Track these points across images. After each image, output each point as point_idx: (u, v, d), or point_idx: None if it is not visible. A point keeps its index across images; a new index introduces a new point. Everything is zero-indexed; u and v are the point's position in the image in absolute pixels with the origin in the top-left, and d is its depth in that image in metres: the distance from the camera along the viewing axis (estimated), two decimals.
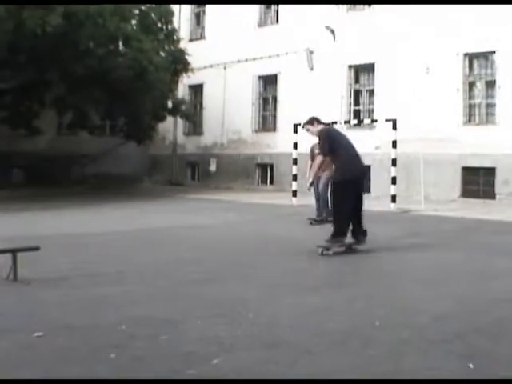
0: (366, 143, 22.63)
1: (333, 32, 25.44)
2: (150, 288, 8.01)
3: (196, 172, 32.70)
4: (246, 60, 28.70)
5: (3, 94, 26.38)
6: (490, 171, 21.56)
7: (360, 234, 10.70)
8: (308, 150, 16.38)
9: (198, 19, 32.71)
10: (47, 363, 5.02)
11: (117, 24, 22.61)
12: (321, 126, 11.45)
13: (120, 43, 24.25)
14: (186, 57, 27.84)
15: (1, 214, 18.44)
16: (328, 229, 10.88)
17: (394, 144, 19.07)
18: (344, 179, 10.44)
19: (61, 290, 7.71)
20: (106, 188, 29.63)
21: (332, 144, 10.76)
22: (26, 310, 6.76)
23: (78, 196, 25.66)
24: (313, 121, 11.62)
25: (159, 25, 26.57)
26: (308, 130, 11.67)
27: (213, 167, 30.90)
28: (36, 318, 6.35)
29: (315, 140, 16.37)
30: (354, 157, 10.81)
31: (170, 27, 27.13)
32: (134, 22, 25.20)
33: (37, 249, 8.40)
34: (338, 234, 10.42)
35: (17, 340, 5.60)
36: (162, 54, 26.50)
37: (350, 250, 10.67)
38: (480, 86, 22.55)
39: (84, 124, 28.19)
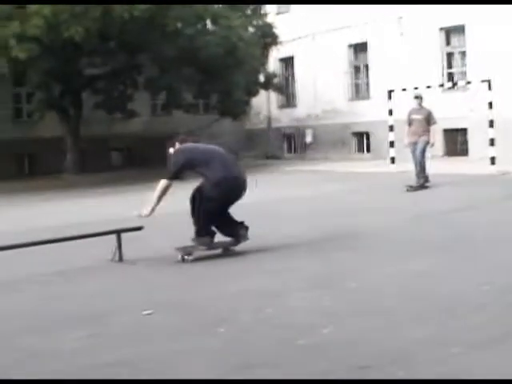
0: (460, 106, 21.95)
1: None
2: (243, 262, 8.12)
3: (292, 144, 32.66)
4: (336, 29, 28.36)
5: (97, 80, 27.01)
6: None
7: (239, 230, 8.90)
8: (404, 116, 16.11)
9: None
10: (160, 339, 5.15)
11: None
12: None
13: (208, 22, 24.40)
14: (274, 30, 27.76)
15: (102, 195, 18.95)
16: (425, 194, 10.63)
17: (491, 105, 18.53)
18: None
19: (164, 270, 7.86)
20: None
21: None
22: (133, 290, 6.95)
23: None
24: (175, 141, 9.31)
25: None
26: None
27: (309, 138, 30.76)
28: (144, 297, 6.52)
29: (412, 105, 16.13)
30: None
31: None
32: None
33: (140, 229, 8.55)
34: (200, 235, 8.74)
35: (128, 318, 5.77)
36: (251, 29, 26.50)
37: (227, 251, 8.94)
38: None
39: (178, 103, 28.54)
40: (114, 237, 8.32)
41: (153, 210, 8.45)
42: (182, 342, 5.03)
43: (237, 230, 8.72)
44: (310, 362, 4.41)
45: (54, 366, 4.64)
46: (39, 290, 7.17)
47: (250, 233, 8.55)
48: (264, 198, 14.30)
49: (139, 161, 30.58)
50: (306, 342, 4.82)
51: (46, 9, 20.04)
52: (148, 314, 5.79)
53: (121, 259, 8.22)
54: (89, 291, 6.94)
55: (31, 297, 6.88)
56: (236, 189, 8.65)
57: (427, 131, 15.50)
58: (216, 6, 24.61)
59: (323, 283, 6.67)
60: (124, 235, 8.39)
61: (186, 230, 8.60)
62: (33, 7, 20.38)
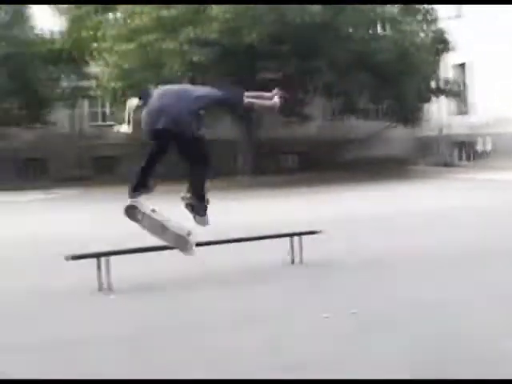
0: None
1: None
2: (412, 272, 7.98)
3: (464, 152, 31.85)
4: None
5: (270, 84, 27.48)
6: None
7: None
8: None
9: None
10: (330, 341, 5.29)
11: (374, 7, 22.78)
12: None
13: (378, 26, 24.37)
14: (446, 36, 27.24)
15: (278, 198, 19.28)
16: None
17: None
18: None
19: (338, 274, 7.91)
20: (377, 171, 29.49)
21: None
22: (309, 292, 7.05)
23: (351, 179, 25.64)
24: None
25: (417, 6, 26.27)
26: None
27: (486, 146, 29.77)
28: (321, 300, 6.64)
29: None
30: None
31: (427, 7, 26.71)
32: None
33: (318, 232, 8.76)
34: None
35: (307, 319, 5.91)
36: (422, 34, 26.17)
37: None
38: None
39: (352, 109, 28.66)
40: (286, 239, 8.53)
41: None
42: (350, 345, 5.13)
43: None
44: None
45: (237, 366, 4.75)
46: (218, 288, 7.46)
47: None
48: (443, 205, 14.11)
49: (312, 165, 30.91)
50: None
51: (226, 14, 20.74)
52: (326, 318, 5.90)
53: (301, 262, 8.40)
54: (265, 292, 7.13)
55: (209, 296, 7.09)
56: None
57: None
58: (388, 9, 24.49)
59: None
60: (307, 238, 8.55)
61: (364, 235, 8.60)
62: (212, 12, 21.14)
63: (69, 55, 28.46)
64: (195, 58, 21.58)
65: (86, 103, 31.97)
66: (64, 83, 29.99)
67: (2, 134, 29.66)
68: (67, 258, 7.08)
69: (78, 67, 29.34)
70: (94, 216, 15.80)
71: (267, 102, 6.87)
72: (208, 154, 6.90)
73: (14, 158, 31.94)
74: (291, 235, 8.52)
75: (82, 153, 33.39)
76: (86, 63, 28.98)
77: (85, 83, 29.91)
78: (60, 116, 31.57)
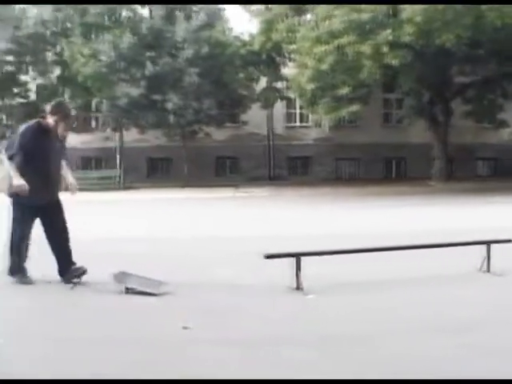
0: None
1: None
2: None
3: None
4: None
5: (466, 88, 26.88)
6: None
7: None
8: None
9: None
10: None
11: None
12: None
13: None
14: None
15: (465, 204, 18.78)
16: None
17: None
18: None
19: None
20: None
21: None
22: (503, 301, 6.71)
23: None
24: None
25: None
26: None
27: None
28: None
29: None
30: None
31: None
32: None
33: (510, 241, 8.39)
34: None
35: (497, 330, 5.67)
36: None
37: None
38: None
39: None
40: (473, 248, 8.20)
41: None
42: None
43: None
44: None
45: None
46: (404, 292, 7.25)
47: None
48: None
49: (504, 172, 29.84)
50: None
51: (419, 16, 20.41)
52: None
53: (488, 270, 8.13)
54: (462, 297, 6.89)
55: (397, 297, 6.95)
56: None
57: None
58: None
59: None
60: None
61: None
62: (405, 14, 20.87)
63: (267, 57, 29.14)
64: (393, 61, 21.40)
65: (280, 104, 32.52)
66: (260, 84, 30.69)
67: (196, 133, 30.82)
68: (265, 257, 7.19)
69: (274, 68, 29.96)
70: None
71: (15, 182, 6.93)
72: None
73: (208, 156, 33.15)
74: (488, 243, 8.22)
75: (275, 153, 34.06)
76: (280, 65, 29.62)
77: (278, 84, 30.57)
78: (254, 116, 32.35)
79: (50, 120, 7.04)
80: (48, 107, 7.42)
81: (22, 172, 6.89)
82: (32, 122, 7.18)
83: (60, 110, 7.16)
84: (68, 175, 7.48)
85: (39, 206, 7.09)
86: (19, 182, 6.84)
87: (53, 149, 7.05)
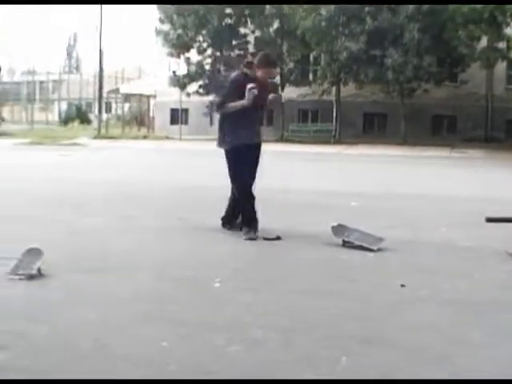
0: None
1: None
2: None
3: None
4: None
5: None
6: None
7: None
8: None
9: None
10: None
11: None
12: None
13: None
14: None
15: None
16: None
17: None
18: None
19: None
20: None
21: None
22: None
23: None
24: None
25: None
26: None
27: None
28: None
29: None
30: None
31: None
32: None
33: None
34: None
35: None
36: None
37: None
38: None
39: None
40: None
41: None
42: None
43: None
44: None
45: None
46: None
47: None
48: None
49: None
50: None
51: None
52: None
53: None
54: None
55: None
56: None
57: None
58: None
59: None
60: None
61: None
62: None
63: (489, 15, 27.92)
64: None
65: (500, 65, 31.20)
66: (481, 43, 29.56)
67: (414, 90, 30.36)
68: (486, 220, 7.06)
69: (496, 28, 28.67)
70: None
71: (239, 102, 7.09)
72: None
73: (425, 114, 32.59)
74: None
75: (493, 114, 32.89)
76: (502, 24, 28.27)
77: (500, 44, 29.27)
78: (473, 75, 31.32)
79: (256, 69, 7.24)
80: (253, 57, 7.90)
81: (232, 115, 7.25)
82: (239, 71, 7.45)
83: (265, 61, 7.34)
84: None
85: (248, 146, 7.33)
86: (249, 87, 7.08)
87: (258, 96, 7.20)
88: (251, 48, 32.58)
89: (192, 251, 6.54)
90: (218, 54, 34.01)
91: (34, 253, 5.46)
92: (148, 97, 46.87)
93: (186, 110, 36.54)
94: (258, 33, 33.03)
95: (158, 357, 3.66)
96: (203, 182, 12.29)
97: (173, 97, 36.56)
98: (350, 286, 5.29)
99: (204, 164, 16.41)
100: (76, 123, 53.68)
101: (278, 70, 29.44)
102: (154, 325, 4.21)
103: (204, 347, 3.82)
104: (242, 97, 7.10)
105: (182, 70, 34.14)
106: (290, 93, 32.56)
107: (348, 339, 3.98)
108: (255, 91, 7.01)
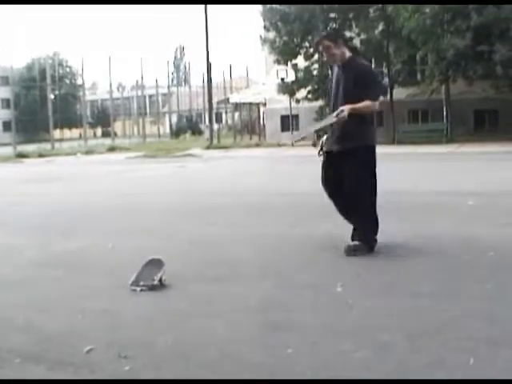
0: None
1: None
2: None
3: None
4: None
5: None
6: None
7: None
8: None
9: None
10: None
11: None
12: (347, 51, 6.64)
13: None
14: None
15: None
16: None
17: None
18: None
19: None
20: None
21: None
22: None
23: None
24: (336, 37, 6.76)
25: None
26: (326, 49, 6.62)
27: None
28: None
29: None
30: None
31: None
32: None
33: None
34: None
35: None
36: None
37: None
38: None
39: None
40: None
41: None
42: None
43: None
44: None
45: None
46: None
47: None
48: None
49: None
50: None
51: None
52: None
53: None
54: None
55: None
56: None
57: None
58: None
59: None
60: None
61: None
62: None
63: None
64: None
65: None
66: None
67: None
68: None
69: None
70: None
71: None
72: None
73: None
74: None
75: None
76: None
77: None
78: None
79: None
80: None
81: None
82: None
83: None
84: None
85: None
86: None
87: None
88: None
89: (309, 258, 6.59)
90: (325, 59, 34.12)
91: (155, 263, 5.60)
92: (258, 105, 47.48)
93: (296, 116, 36.90)
94: (363, 35, 33.06)
95: (283, 364, 3.71)
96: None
97: (282, 104, 37.03)
98: (474, 287, 5.22)
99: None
100: (187, 135, 55.03)
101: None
102: (279, 332, 4.27)
103: (331, 353, 3.86)
104: None
105: (290, 76, 34.52)
106: (398, 94, 32.55)
107: (476, 341, 3.95)
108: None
